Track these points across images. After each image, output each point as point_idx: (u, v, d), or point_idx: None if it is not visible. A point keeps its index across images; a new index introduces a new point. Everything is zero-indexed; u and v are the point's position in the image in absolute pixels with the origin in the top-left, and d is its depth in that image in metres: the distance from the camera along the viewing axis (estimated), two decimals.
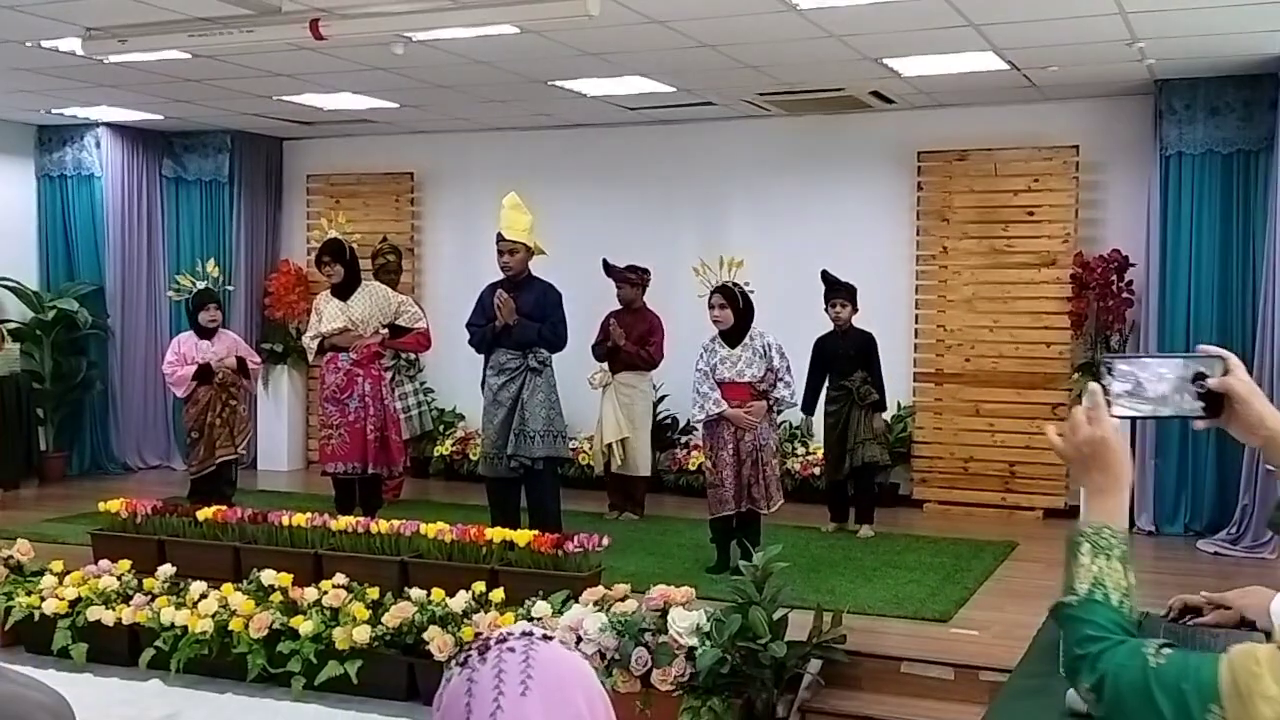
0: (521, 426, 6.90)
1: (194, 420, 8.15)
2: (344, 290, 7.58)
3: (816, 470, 8.85)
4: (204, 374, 8.09)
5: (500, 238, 7.04)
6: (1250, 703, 1.33)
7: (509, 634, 1.27)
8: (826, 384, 7.89)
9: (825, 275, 7.90)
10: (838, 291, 7.83)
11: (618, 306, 8.39)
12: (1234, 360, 1.70)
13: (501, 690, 1.20)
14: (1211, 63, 7.53)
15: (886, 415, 8.06)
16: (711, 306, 6.71)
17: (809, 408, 7.90)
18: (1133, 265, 8.29)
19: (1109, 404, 1.68)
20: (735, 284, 6.71)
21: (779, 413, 7.00)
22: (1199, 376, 1.70)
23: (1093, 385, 1.68)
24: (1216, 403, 1.70)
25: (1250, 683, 1.34)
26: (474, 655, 1.24)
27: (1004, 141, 8.79)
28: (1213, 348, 1.73)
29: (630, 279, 8.33)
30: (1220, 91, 7.89)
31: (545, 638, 1.27)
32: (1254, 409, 1.66)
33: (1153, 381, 1.71)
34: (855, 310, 7.86)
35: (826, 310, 7.84)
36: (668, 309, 8.47)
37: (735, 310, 6.66)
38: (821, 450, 8.94)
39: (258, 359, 8.82)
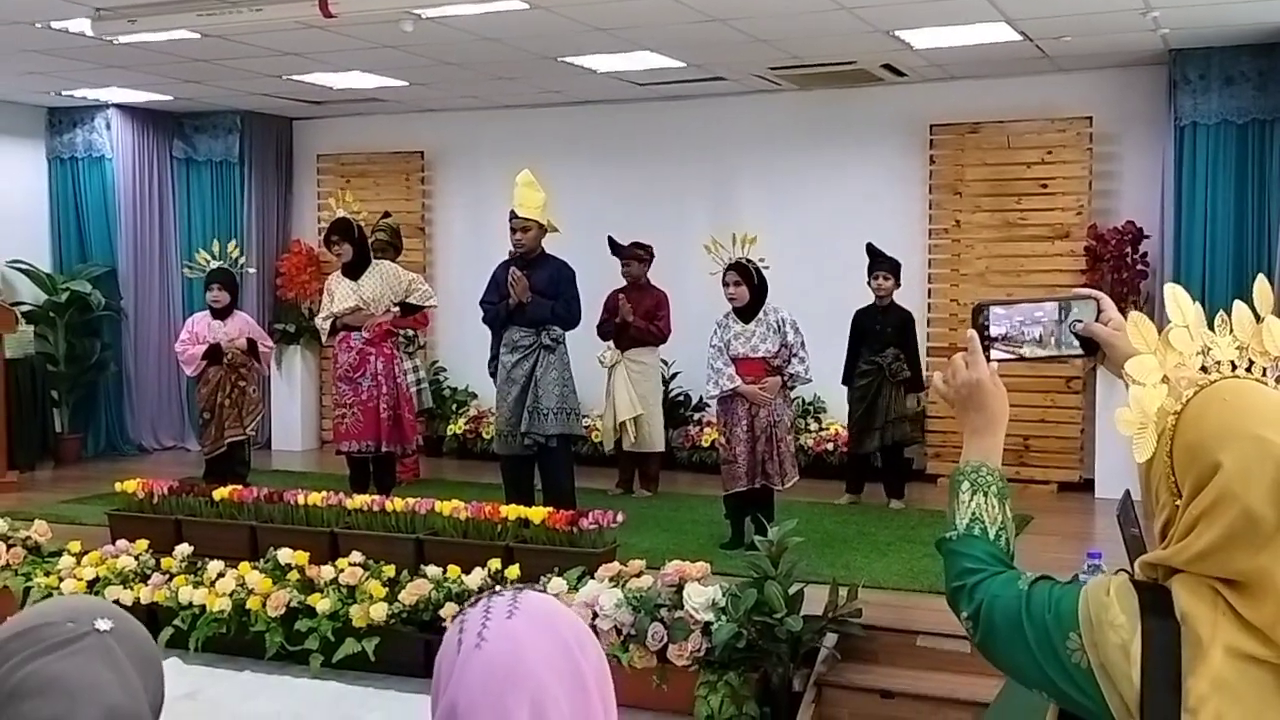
0: (535, 404, 6.91)
1: (205, 401, 8.19)
2: (355, 270, 7.60)
3: (830, 446, 8.85)
4: (214, 353, 8.11)
5: (513, 215, 7.03)
6: (1101, 630, 1.44)
7: (499, 590, 1.33)
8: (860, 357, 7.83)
9: (870, 248, 7.87)
10: (880, 264, 7.80)
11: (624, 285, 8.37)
12: (1106, 301, 1.77)
13: (489, 615, 1.26)
14: (1226, 32, 7.47)
15: (921, 395, 7.98)
16: (726, 284, 6.70)
17: (849, 379, 7.88)
18: (1147, 237, 8.24)
19: (987, 349, 1.74)
20: (749, 260, 6.70)
21: (793, 388, 6.99)
22: (1073, 320, 1.75)
23: (970, 332, 1.73)
24: (1092, 342, 1.76)
25: (1100, 612, 1.45)
26: (466, 607, 1.31)
27: (1017, 113, 8.73)
28: (1085, 289, 1.77)
29: (639, 255, 8.31)
30: (1235, 61, 7.82)
31: (537, 592, 1.32)
32: (1120, 349, 1.70)
33: (1029, 325, 1.76)
34: (898, 285, 7.83)
35: (869, 283, 7.81)
36: (679, 286, 8.45)
37: (750, 286, 6.65)
38: (835, 426, 8.96)
39: (270, 344, 8.83)
